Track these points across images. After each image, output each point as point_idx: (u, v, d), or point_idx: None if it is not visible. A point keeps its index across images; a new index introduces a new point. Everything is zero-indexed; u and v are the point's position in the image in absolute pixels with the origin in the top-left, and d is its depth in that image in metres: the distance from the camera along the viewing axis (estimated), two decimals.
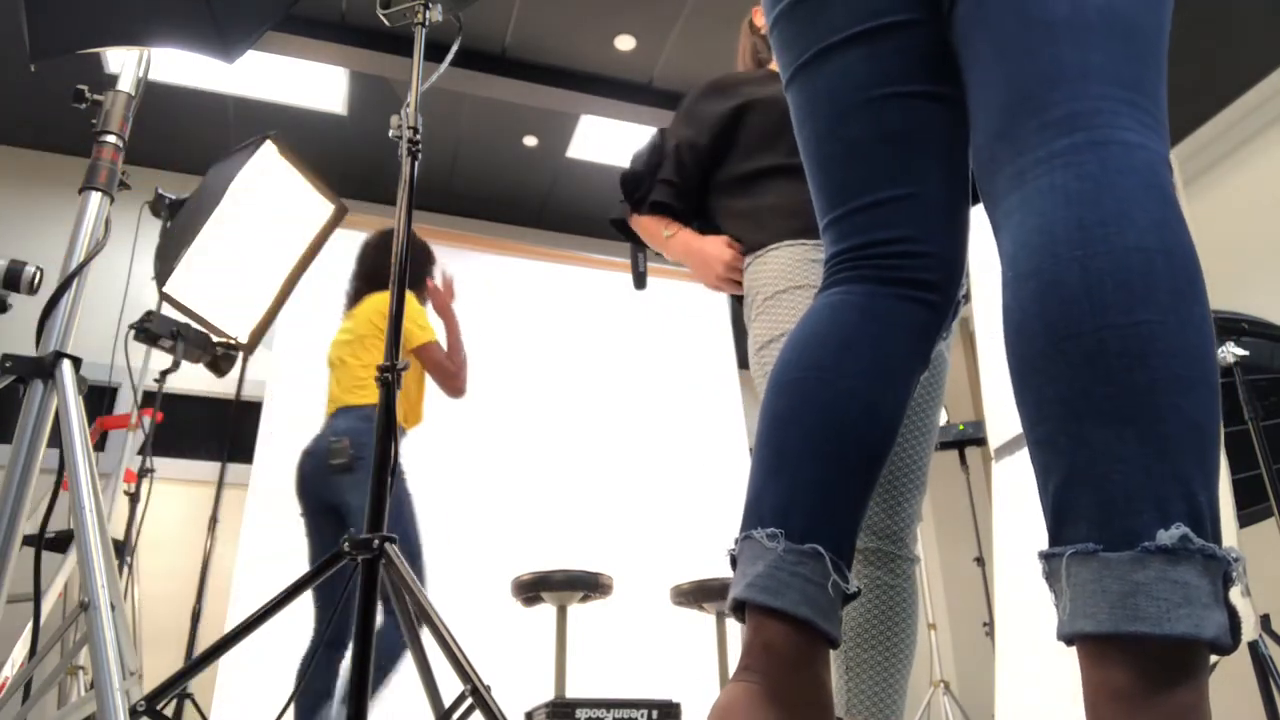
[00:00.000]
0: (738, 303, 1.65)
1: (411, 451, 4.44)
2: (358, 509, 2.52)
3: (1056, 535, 0.62)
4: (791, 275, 1.48)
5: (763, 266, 1.51)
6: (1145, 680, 0.56)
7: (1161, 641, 0.55)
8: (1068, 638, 0.60)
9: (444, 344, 2.86)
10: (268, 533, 4.27)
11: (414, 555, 2.61)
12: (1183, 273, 0.62)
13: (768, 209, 1.55)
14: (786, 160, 1.58)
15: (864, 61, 0.86)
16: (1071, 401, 0.62)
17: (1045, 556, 0.63)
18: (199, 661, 1.45)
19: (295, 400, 4.64)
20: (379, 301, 2.83)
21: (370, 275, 2.95)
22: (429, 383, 2.91)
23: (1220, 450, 0.60)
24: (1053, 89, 0.71)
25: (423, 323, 2.82)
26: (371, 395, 2.70)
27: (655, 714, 2.70)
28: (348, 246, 5.15)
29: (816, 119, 0.90)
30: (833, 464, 0.79)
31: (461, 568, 4.16)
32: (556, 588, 3.06)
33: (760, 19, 1.82)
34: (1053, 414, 0.63)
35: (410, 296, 2.88)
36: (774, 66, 1.83)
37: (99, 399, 4.24)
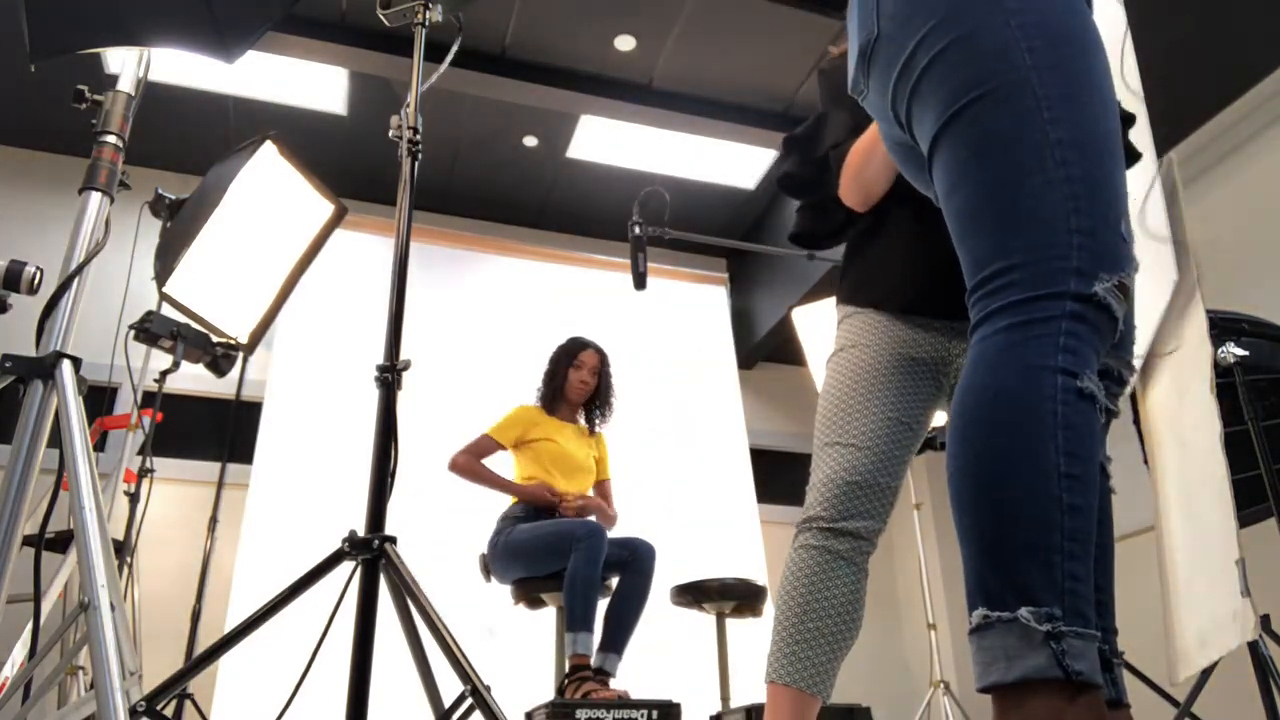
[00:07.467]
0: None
1: (414, 453, 4.44)
2: None
3: None
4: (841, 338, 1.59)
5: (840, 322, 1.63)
6: (1000, 714, 0.81)
7: (988, 689, 0.82)
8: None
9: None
10: (268, 533, 4.27)
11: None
12: (977, 426, 0.87)
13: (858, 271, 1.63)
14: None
15: None
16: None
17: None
18: (199, 661, 1.45)
19: (295, 400, 4.64)
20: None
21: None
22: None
23: (1031, 516, 0.82)
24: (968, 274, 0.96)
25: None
26: None
27: (655, 714, 2.70)
28: (348, 246, 5.16)
29: None
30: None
31: (462, 568, 4.16)
32: (557, 589, 3.05)
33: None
34: None
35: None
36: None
37: (99, 399, 4.24)
